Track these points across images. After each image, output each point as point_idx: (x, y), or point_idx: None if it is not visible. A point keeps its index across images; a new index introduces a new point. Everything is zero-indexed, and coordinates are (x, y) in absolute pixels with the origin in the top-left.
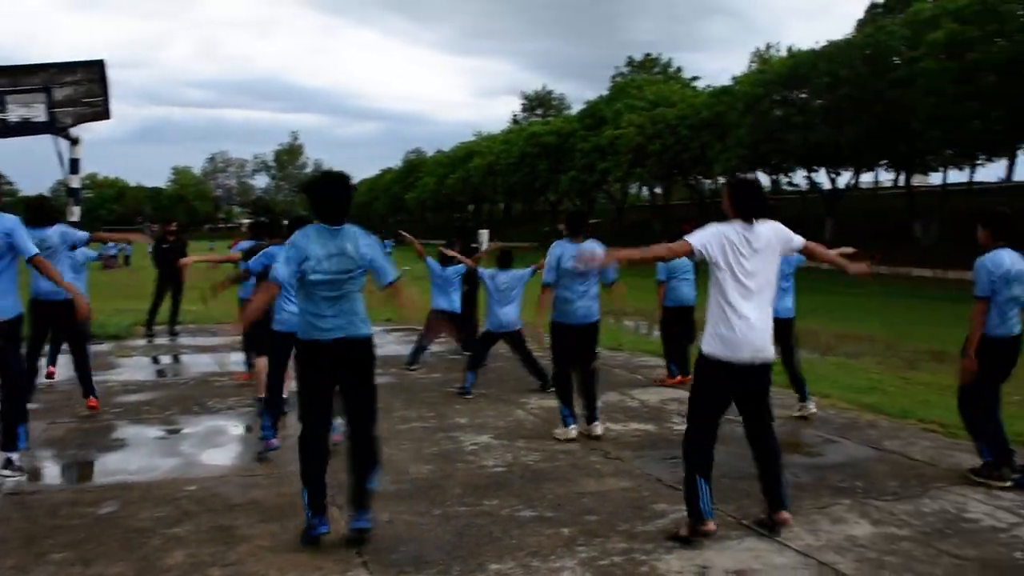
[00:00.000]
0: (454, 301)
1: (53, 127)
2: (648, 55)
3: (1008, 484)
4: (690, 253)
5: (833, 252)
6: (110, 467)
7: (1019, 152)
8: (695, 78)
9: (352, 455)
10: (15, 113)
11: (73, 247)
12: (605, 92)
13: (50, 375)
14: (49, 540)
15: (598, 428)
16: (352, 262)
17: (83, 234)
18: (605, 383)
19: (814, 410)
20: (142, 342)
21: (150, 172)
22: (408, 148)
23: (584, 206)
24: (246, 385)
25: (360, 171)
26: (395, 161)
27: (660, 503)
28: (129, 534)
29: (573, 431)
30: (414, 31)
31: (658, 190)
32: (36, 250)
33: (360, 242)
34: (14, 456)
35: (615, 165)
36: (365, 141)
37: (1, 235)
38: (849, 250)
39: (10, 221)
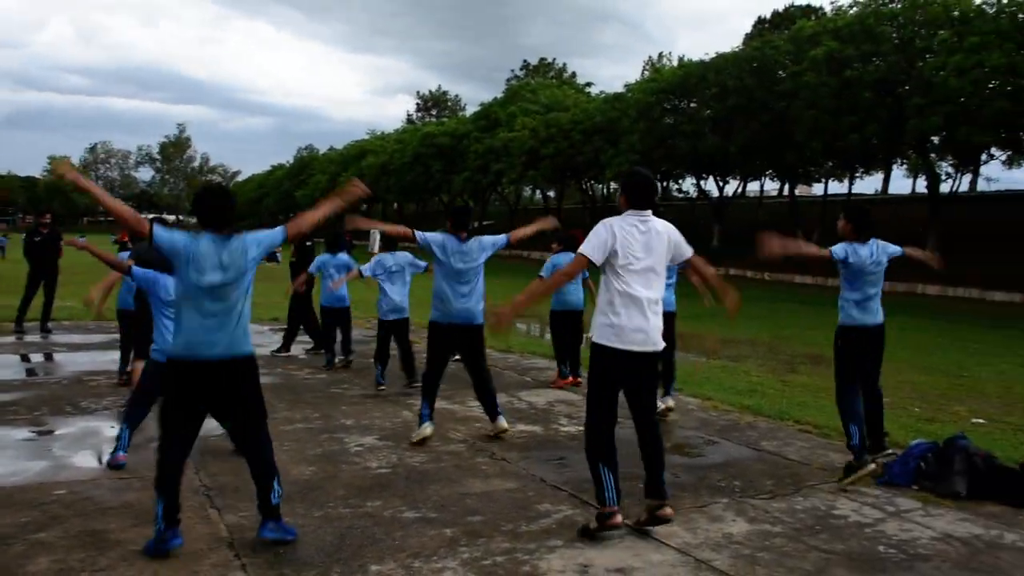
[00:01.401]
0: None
1: None
2: (543, 59)
3: (870, 468)
4: (588, 264)
5: (712, 272)
6: None
7: (893, 166)
8: (589, 84)
9: (251, 471)
10: None
11: None
12: (500, 95)
13: None
14: None
15: (502, 422)
16: (239, 270)
17: None
18: (497, 383)
19: (671, 405)
20: (11, 339)
21: (24, 161)
22: (300, 144)
23: (477, 206)
24: (123, 385)
25: (249, 166)
26: (286, 157)
27: (544, 503)
28: None
29: (428, 429)
30: (309, 25)
31: (551, 193)
32: None
33: (244, 250)
34: None
35: (509, 167)
36: (255, 136)
37: None
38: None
39: None
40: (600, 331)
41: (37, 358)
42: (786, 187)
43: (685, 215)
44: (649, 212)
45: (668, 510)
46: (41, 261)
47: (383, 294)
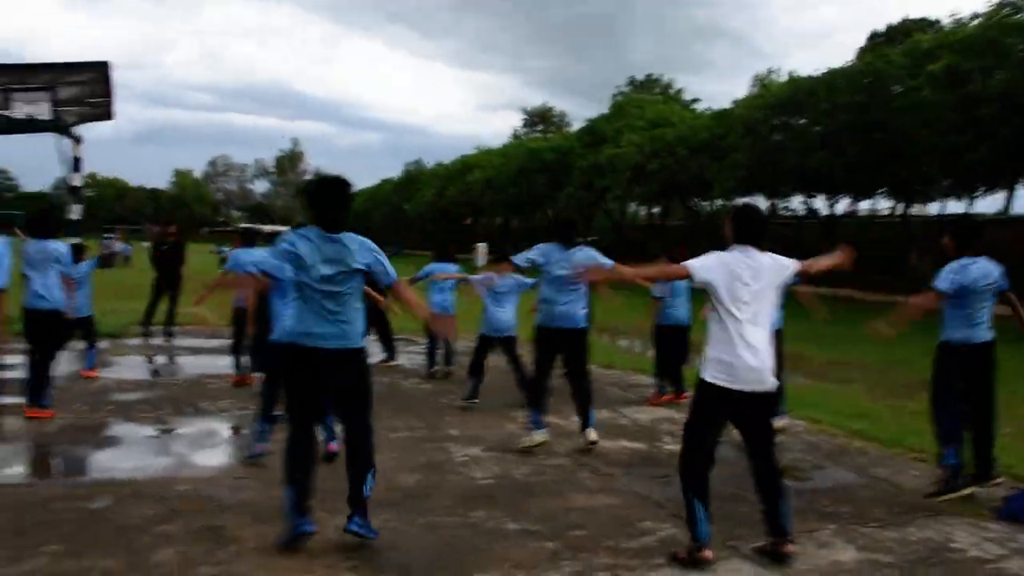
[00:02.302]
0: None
1: (57, 125)
2: (649, 75)
3: (967, 492)
4: (687, 278)
5: (824, 259)
6: (102, 464)
7: (1017, 185)
8: (695, 100)
9: (348, 461)
10: (20, 110)
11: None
12: (605, 111)
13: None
14: (41, 533)
15: (592, 434)
16: (346, 268)
17: (77, 273)
18: (597, 400)
19: (785, 423)
20: (138, 341)
21: (151, 174)
22: (408, 159)
23: (582, 222)
24: (239, 387)
25: (360, 180)
26: (395, 172)
27: (647, 521)
28: (120, 530)
29: (539, 436)
30: (420, 43)
31: (656, 210)
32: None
33: (359, 248)
34: None
35: (614, 183)
36: (365, 150)
37: None
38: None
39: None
40: (709, 368)
41: (161, 360)
42: (901, 206)
43: (791, 234)
44: (754, 248)
45: (790, 547)
46: (167, 269)
47: (489, 312)
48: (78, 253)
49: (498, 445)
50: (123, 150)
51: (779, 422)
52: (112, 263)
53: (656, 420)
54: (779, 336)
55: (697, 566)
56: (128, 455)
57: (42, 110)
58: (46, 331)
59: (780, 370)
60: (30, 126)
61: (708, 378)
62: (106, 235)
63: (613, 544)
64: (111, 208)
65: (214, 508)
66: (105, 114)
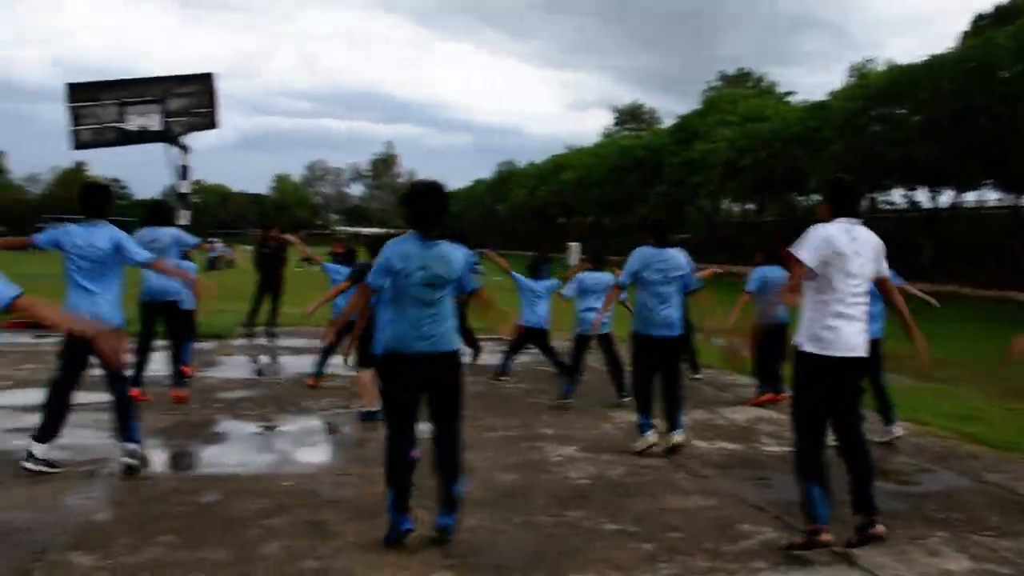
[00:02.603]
0: (540, 315)
1: (167, 136)
2: (741, 69)
3: None
4: (809, 272)
5: (903, 304)
6: (212, 459)
7: None
8: (789, 93)
9: (437, 462)
10: (134, 123)
11: (184, 255)
12: (697, 106)
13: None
14: (157, 524)
15: (678, 436)
16: (443, 274)
17: (194, 240)
18: (693, 400)
19: (900, 434)
20: (242, 342)
21: (253, 179)
22: (500, 160)
23: (674, 219)
24: (339, 388)
25: (452, 181)
26: (487, 172)
27: (745, 523)
28: (229, 523)
29: (652, 437)
30: (509, 44)
31: (750, 206)
32: (147, 256)
33: (454, 256)
34: (134, 446)
35: (706, 180)
36: (458, 152)
37: (112, 244)
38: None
39: (120, 232)
40: (807, 340)
41: (264, 360)
42: (1011, 197)
43: (892, 228)
44: (855, 220)
45: (880, 528)
46: (269, 271)
47: (581, 312)
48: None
49: (593, 445)
50: (226, 157)
51: (897, 431)
52: (217, 266)
53: (753, 420)
54: (877, 345)
55: (814, 549)
56: (235, 451)
57: (153, 121)
58: (165, 319)
59: (879, 374)
60: (142, 137)
61: (805, 348)
62: (210, 239)
63: (712, 547)
64: (215, 214)
65: (317, 503)
66: (210, 123)
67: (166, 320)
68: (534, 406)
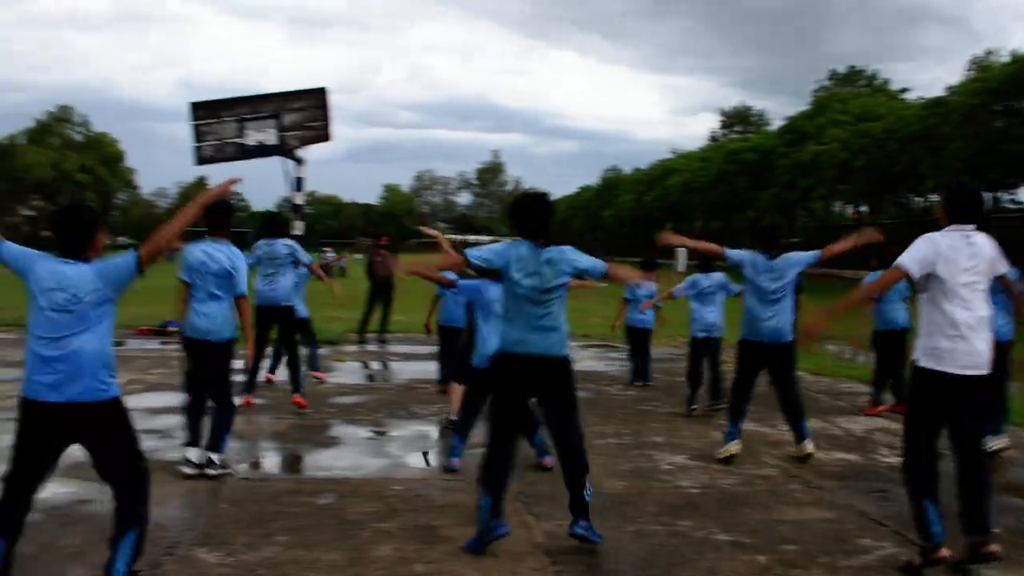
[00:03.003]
0: (646, 319)
1: (282, 149)
2: (852, 67)
3: None
4: (905, 277)
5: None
6: (326, 462)
7: None
8: (904, 90)
9: (564, 468)
10: (252, 138)
11: (295, 263)
12: (806, 107)
13: (269, 381)
14: (275, 524)
15: (809, 446)
16: (553, 281)
17: (308, 259)
18: (807, 409)
19: (999, 446)
20: (355, 348)
21: (363, 190)
22: (605, 166)
23: (784, 224)
24: (442, 392)
25: (558, 188)
26: (593, 179)
27: (864, 538)
28: (343, 525)
29: (735, 447)
30: (612, 50)
31: (863, 208)
32: (244, 293)
33: (565, 258)
34: (216, 457)
35: (818, 182)
36: (563, 159)
37: (226, 269)
38: None
39: (238, 260)
40: (924, 354)
41: (376, 366)
42: None
43: (1019, 228)
44: (972, 227)
45: (994, 546)
46: (380, 279)
47: (696, 313)
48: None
49: (704, 454)
50: (338, 168)
51: (1002, 441)
52: (330, 274)
53: (870, 430)
54: (1006, 348)
55: (934, 566)
56: (348, 454)
57: (270, 136)
58: (278, 326)
59: (1003, 381)
60: (260, 151)
61: (921, 363)
62: (323, 249)
63: (828, 561)
64: (327, 224)
65: (427, 508)
66: (324, 136)
67: (280, 327)
68: (643, 413)
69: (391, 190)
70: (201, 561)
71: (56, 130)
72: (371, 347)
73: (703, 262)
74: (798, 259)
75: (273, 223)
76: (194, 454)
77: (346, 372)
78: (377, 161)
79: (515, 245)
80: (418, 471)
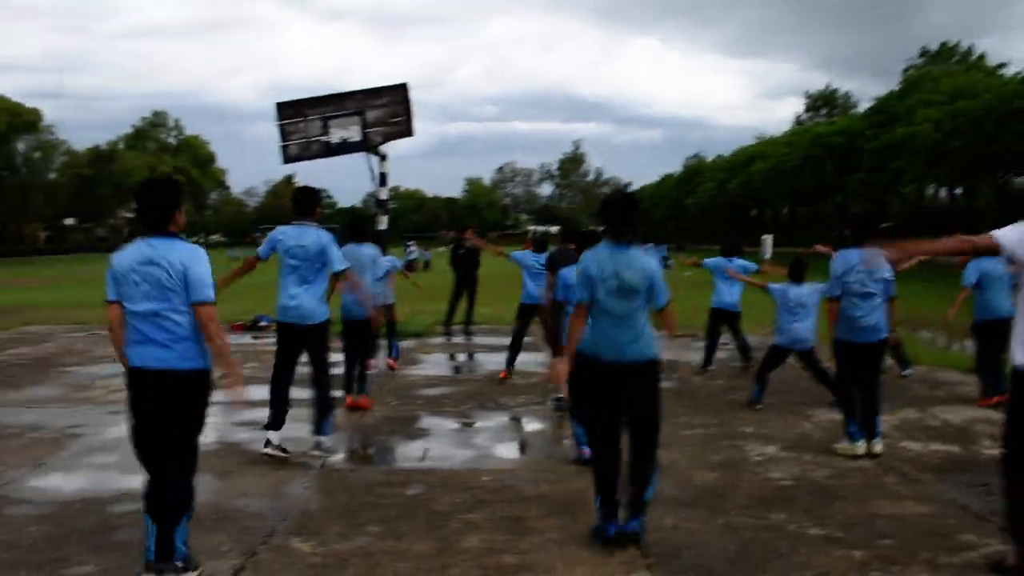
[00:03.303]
0: (734, 296)
1: (366, 146)
2: (944, 44)
3: None
4: (995, 250)
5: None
6: (414, 453)
7: None
8: (1002, 65)
9: (631, 466)
10: (336, 135)
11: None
12: (896, 87)
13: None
14: (366, 514)
15: (877, 445)
16: (633, 282)
17: (386, 266)
18: (902, 399)
19: None
20: (441, 340)
21: (446, 183)
22: (688, 154)
23: (873, 209)
24: (533, 385)
25: (640, 177)
26: (675, 167)
27: (967, 534)
28: (432, 515)
29: (861, 447)
30: (693, 37)
31: (959, 191)
32: (345, 266)
33: (644, 262)
34: (323, 440)
35: (909, 165)
36: (645, 148)
37: (318, 247)
38: None
39: (327, 236)
40: (1019, 351)
41: (462, 357)
42: None
43: None
44: None
45: None
46: (464, 271)
47: (785, 324)
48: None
49: (794, 444)
50: (420, 164)
51: None
52: (414, 268)
53: (970, 421)
54: None
55: None
56: (435, 446)
57: (353, 133)
58: (359, 337)
59: None
60: (344, 148)
61: (1017, 360)
62: (407, 243)
63: (929, 558)
64: (411, 218)
65: (515, 498)
66: (406, 131)
67: (359, 335)
68: (731, 403)
69: (473, 183)
70: (296, 550)
71: (152, 135)
72: (457, 339)
73: (794, 271)
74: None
75: (357, 228)
76: (274, 437)
77: (433, 364)
78: (459, 155)
79: (595, 251)
80: (506, 462)
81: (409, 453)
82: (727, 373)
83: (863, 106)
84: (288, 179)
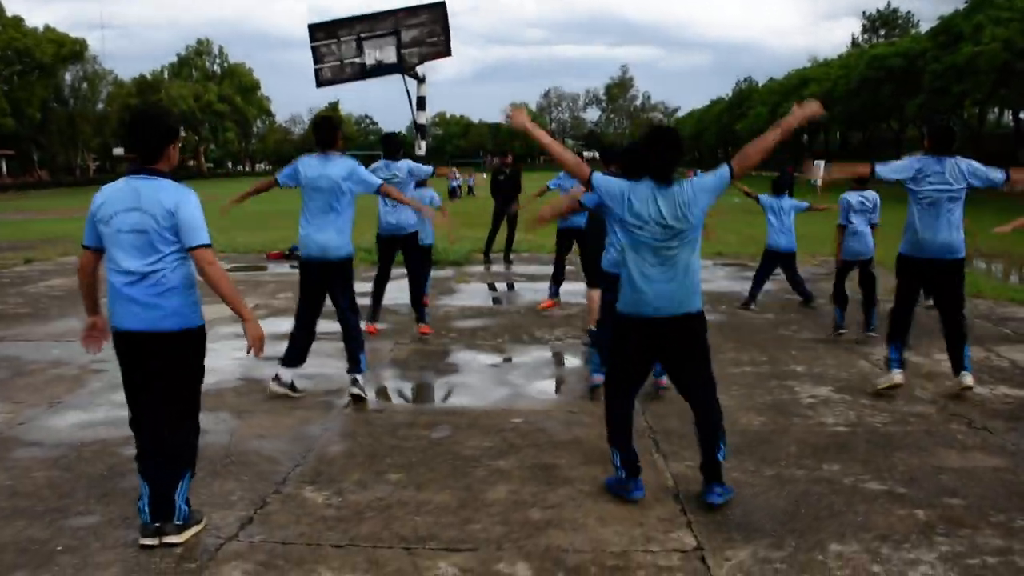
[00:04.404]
0: (787, 237)
1: (402, 67)
2: None
3: None
4: None
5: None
6: (444, 392)
7: None
8: None
9: (696, 426)
10: (371, 56)
11: (420, 183)
12: (963, 5)
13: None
14: (388, 459)
15: (968, 378)
16: (679, 224)
17: (428, 169)
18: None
19: None
20: (480, 268)
21: (491, 109)
22: (739, 77)
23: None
24: (573, 316)
25: (688, 102)
26: (725, 91)
27: None
28: (457, 461)
29: (898, 376)
30: None
31: (820, 162)
32: (380, 181)
33: (689, 199)
34: (359, 377)
35: (974, 87)
36: (695, 72)
37: (346, 172)
38: None
39: (351, 161)
40: None
41: (501, 287)
42: None
43: None
44: None
45: None
46: (505, 198)
47: (848, 234)
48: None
49: (850, 386)
50: (467, 89)
51: None
52: (457, 195)
53: None
54: None
55: None
56: (467, 384)
57: (389, 54)
58: (407, 254)
59: None
60: (379, 70)
61: None
62: (452, 168)
63: (1004, 520)
64: (456, 144)
65: (547, 443)
66: (444, 51)
67: (405, 254)
68: (782, 339)
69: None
70: (308, 501)
71: (196, 63)
72: (497, 267)
73: (860, 183)
74: (979, 172)
75: (391, 144)
76: (286, 374)
77: (470, 294)
78: (505, 80)
79: (639, 185)
80: (539, 402)
81: (439, 391)
82: (777, 307)
83: (924, 26)
84: (333, 106)
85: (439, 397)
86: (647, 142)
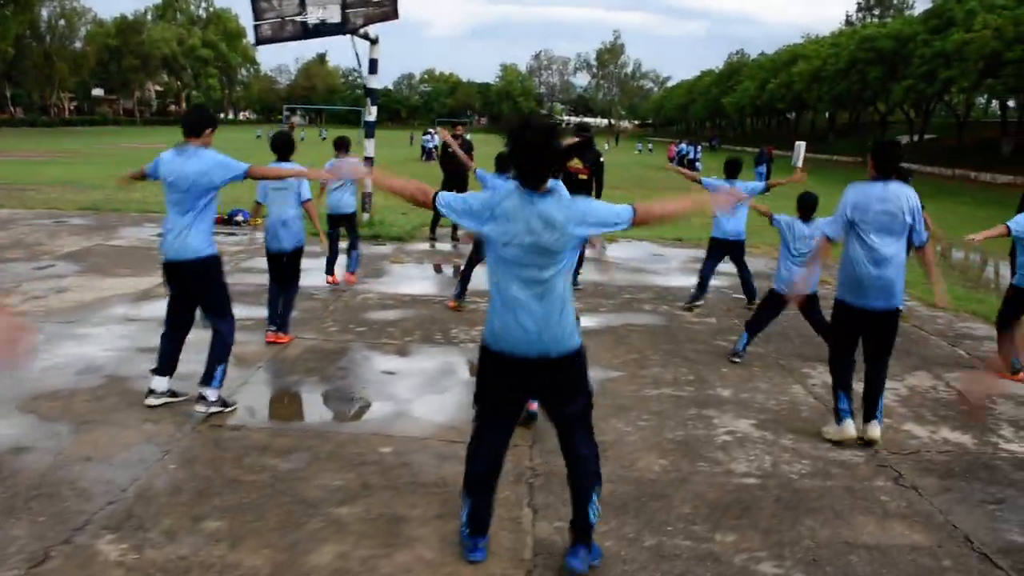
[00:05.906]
0: (736, 224)
1: (345, 28)
2: None
3: None
4: None
5: None
6: (317, 407)
7: None
8: None
9: (568, 475)
10: (313, 15)
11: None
12: None
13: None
14: (216, 499)
15: (874, 429)
16: (545, 241)
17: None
18: (917, 355)
19: None
20: (423, 247)
21: (484, 69)
22: (731, 49)
23: (918, 119)
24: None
25: (678, 72)
26: (716, 63)
27: None
28: (295, 506)
29: (850, 429)
30: None
31: (1011, 103)
32: (246, 165)
33: (557, 212)
34: (208, 393)
35: (961, 74)
36: (688, 41)
37: (202, 172)
38: None
39: (209, 157)
40: None
41: (435, 272)
42: None
43: None
44: None
45: None
46: (453, 169)
47: (785, 262)
48: (343, 150)
49: (776, 419)
50: (460, 46)
51: None
52: (432, 157)
53: (994, 397)
54: None
55: None
56: (348, 396)
57: (332, 13)
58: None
59: None
60: (322, 30)
61: None
62: (427, 131)
63: None
64: (444, 102)
65: (407, 486)
66: (390, 14)
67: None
68: (716, 352)
69: (508, 69)
70: (98, 556)
71: (180, 6)
72: (443, 245)
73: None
74: (915, 208)
75: (278, 143)
76: (160, 384)
77: (398, 278)
78: (496, 39)
79: (511, 195)
80: (419, 425)
81: (311, 407)
82: (721, 308)
83: (920, 8)
84: (321, 58)
85: (309, 414)
86: (511, 136)
